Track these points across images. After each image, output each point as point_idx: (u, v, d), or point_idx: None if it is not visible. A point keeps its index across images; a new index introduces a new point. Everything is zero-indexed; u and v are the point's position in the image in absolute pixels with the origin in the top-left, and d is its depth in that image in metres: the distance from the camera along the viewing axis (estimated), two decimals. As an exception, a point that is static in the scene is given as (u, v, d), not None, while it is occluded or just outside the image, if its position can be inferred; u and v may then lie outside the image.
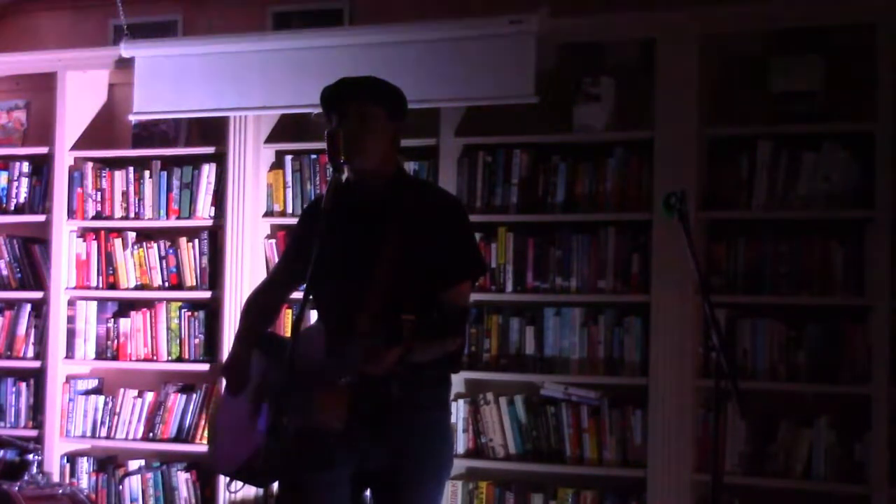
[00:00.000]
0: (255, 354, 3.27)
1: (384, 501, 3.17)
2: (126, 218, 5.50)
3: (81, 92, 5.64)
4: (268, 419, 2.92)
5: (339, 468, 3.12)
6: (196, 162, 5.40)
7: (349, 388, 3.01)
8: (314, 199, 3.62)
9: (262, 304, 3.41)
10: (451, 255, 3.10)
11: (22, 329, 5.66)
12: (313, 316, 3.60)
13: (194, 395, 5.34)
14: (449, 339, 2.90)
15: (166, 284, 5.43)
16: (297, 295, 3.19)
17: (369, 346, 2.85)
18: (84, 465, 5.50)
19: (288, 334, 3.74)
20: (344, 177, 3.13)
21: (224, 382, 3.30)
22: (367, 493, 3.27)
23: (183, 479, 5.34)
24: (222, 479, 5.03)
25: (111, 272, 5.51)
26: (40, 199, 5.67)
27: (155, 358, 5.44)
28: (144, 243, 5.48)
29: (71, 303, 5.55)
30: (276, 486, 3.25)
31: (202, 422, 5.30)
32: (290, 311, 5.02)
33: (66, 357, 5.52)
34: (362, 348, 2.87)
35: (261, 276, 5.14)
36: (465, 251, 3.17)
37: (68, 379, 5.55)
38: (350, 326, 2.97)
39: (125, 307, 5.57)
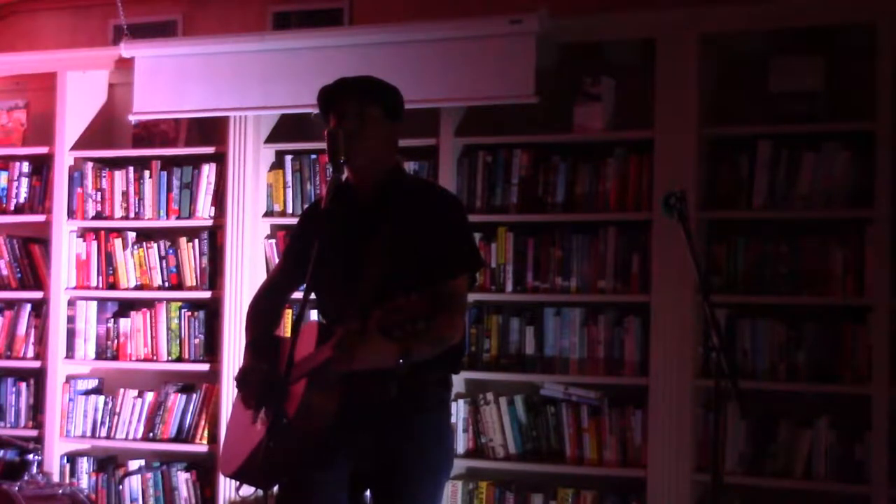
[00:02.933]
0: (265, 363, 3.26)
1: (383, 502, 3.17)
2: (126, 218, 5.50)
3: (81, 92, 5.64)
4: (268, 419, 2.91)
5: (337, 468, 3.12)
6: (196, 162, 5.40)
7: (338, 384, 3.00)
8: (313, 202, 3.62)
9: (265, 310, 3.39)
10: (446, 250, 3.10)
11: (22, 329, 5.66)
12: (313, 315, 3.60)
13: (194, 395, 5.34)
14: (438, 329, 2.90)
15: (166, 284, 5.43)
16: (297, 295, 3.19)
17: (339, 342, 2.85)
18: (84, 465, 5.50)
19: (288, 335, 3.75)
20: (343, 176, 3.13)
21: (239, 395, 3.27)
22: (367, 493, 3.27)
23: (183, 479, 5.34)
24: (225, 481, 5.04)
25: (111, 272, 5.51)
26: (40, 199, 5.67)
27: (155, 358, 5.44)
28: (144, 243, 5.48)
29: (71, 303, 5.55)
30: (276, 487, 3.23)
31: (202, 422, 5.30)
32: (290, 311, 5.03)
33: (66, 357, 5.53)
34: (334, 344, 2.87)
35: (261, 276, 5.14)
36: (460, 246, 3.16)
37: (68, 379, 5.55)
38: (342, 323, 2.98)
39: (125, 307, 5.57)
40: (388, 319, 2.76)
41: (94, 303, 5.54)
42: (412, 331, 2.78)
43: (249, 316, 3.39)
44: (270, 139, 5.32)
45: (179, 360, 5.40)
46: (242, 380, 3.22)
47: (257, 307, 3.40)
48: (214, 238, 5.35)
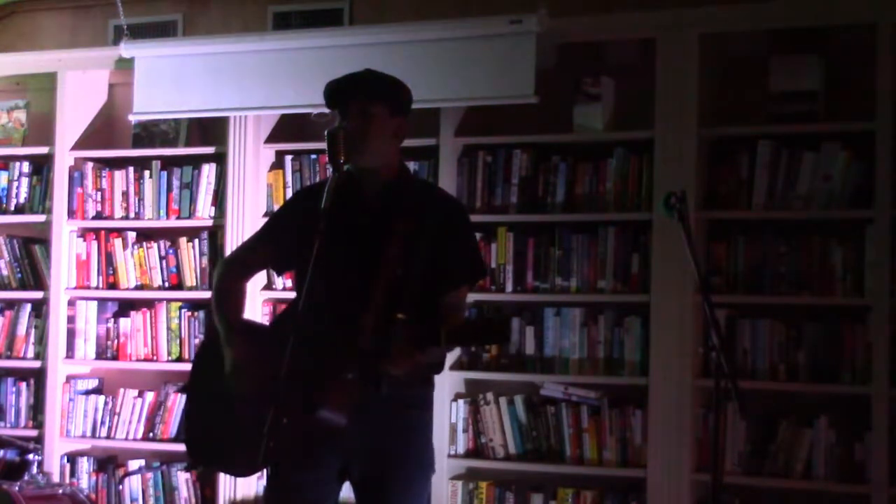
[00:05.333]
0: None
1: (369, 500, 3.17)
2: (126, 218, 5.50)
3: (81, 92, 5.64)
4: (268, 416, 2.90)
5: (326, 466, 3.12)
6: (196, 162, 5.40)
7: (357, 383, 3.00)
8: (308, 187, 3.56)
9: (238, 290, 3.30)
10: (455, 259, 3.12)
11: (22, 329, 5.65)
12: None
13: (194, 395, 5.34)
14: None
15: (166, 284, 5.43)
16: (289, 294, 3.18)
17: (400, 346, 2.87)
18: (84, 465, 5.50)
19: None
20: (344, 174, 3.11)
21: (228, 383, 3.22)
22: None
23: (183, 479, 5.34)
24: (225, 481, 5.04)
25: (111, 272, 5.51)
26: (40, 199, 5.67)
27: (155, 358, 5.44)
28: (144, 243, 5.48)
29: (71, 303, 5.55)
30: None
31: (202, 422, 5.29)
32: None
33: (66, 357, 5.52)
34: (394, 348, 2.89)
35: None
36: (468, 256, 3.19)
37: (68, 379, 5.55)
38: (349, 325, 2.97)
39: (125, 307, 5.57)
40: (459, 341, 2.85)
41: (94, 303, 5.54)
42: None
43: (223, 294, 3.28)
44: (270, 139, 5.32)
45: (179, 360, 5.39)
46: (239, 370, 3.14)
47: (231, 285, 3.30)
48: (214, 238, 5.34)
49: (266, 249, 3.34)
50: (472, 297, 4.72)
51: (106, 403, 5.49)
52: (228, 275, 3.33)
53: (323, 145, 3.08)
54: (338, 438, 3.06)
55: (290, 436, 2.90)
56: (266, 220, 3.50)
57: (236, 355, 3.16)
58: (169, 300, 5.43)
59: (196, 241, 5.37)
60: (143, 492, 5.38)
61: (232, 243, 5.21)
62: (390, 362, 2.92)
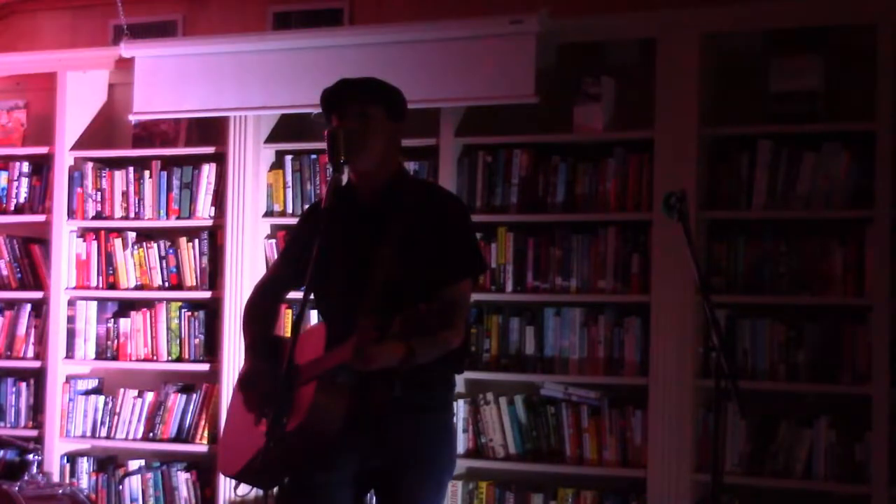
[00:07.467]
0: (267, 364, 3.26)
1: (387, 502, 3.17)
2: (126, 218, 5.50)
3: (81, 92, 5.64)
4: (268, 420, 2.91)
5: (339, 469, 3.12)
6: (196, 162, 5.40)
7: (347, 387, 3.01)
8: (314, 202, 3.62)
9: (262, 310, 3.38)
10: (450, 252, 3.11)
11: (22, 329, 5.66)
12: (314, 316, 3.60)
13: (194, 395, 5.34)
14: (445, 333, 2.91)
15: (166, 284, 5.43)
16: (297, 294, 3.19)
17: (358, 343, 2.86)
18: (84, 465, 5.50)
19: (288, 335, 3.75)
20: (344, 177, 3.13)
21: (241, 397, 3.26)
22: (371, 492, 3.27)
23: (183, 479, 5.34)
24: (225, 481, 5.04)
25: (111, 272, 5.51)
26: (40, 199, 5.67)
27: (155, 358, 5.44)
28: (144, 243, 5.48)
29: (71, 303, 5.55)
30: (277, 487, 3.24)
31: (202, 422, 5.30)
32: (289, 311, 5.03)
33: (66, 357, 5.52)
34: (352, 346, 2.88)
35: (261, 276, 5.13)
36: (464, 249, 3.18)
37: (68, 379, 5.55)
38: (350, 325, 2.98)
39: (125, 307, 5.57)
40: (409, 326, 2.77)
41: (94, 303, 5.54)
42: (430, 340, 2.81)
43: (247, 316, 3.38)
44: (270, 139, 5.32)
45: (179, 360, 5.40)
46: (246, 383, 3.21)
47: (254, 306, 3.39)
48: (214, 238, 5.35)
49: (284, 268, 3.40)
50: (472, 297, 4.71)
51: (106, 403, 5.49)
52: (252, 295, 3.44)
53: (323, 145, 3.09)
54: (350, 440, 3.05)
55: (291, 439, 2.91)
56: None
57: (245, 371, 3.25)
58: (169, 300, 5.43)
59: (196, 241, 5.37)
60: (143, 492, 5.38)
61: (232, 243, 5.22)
62: (352, 360, 2.90)
